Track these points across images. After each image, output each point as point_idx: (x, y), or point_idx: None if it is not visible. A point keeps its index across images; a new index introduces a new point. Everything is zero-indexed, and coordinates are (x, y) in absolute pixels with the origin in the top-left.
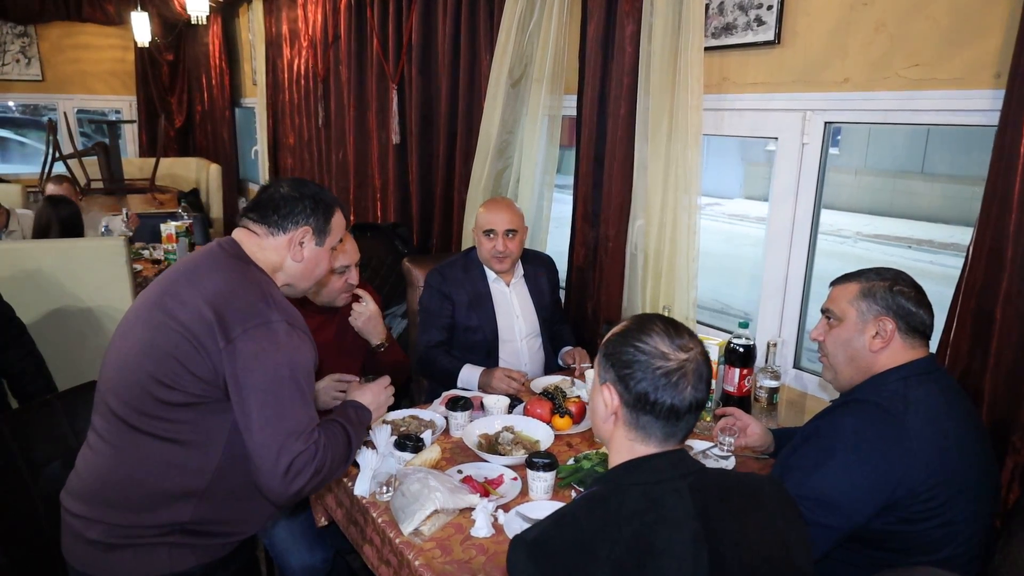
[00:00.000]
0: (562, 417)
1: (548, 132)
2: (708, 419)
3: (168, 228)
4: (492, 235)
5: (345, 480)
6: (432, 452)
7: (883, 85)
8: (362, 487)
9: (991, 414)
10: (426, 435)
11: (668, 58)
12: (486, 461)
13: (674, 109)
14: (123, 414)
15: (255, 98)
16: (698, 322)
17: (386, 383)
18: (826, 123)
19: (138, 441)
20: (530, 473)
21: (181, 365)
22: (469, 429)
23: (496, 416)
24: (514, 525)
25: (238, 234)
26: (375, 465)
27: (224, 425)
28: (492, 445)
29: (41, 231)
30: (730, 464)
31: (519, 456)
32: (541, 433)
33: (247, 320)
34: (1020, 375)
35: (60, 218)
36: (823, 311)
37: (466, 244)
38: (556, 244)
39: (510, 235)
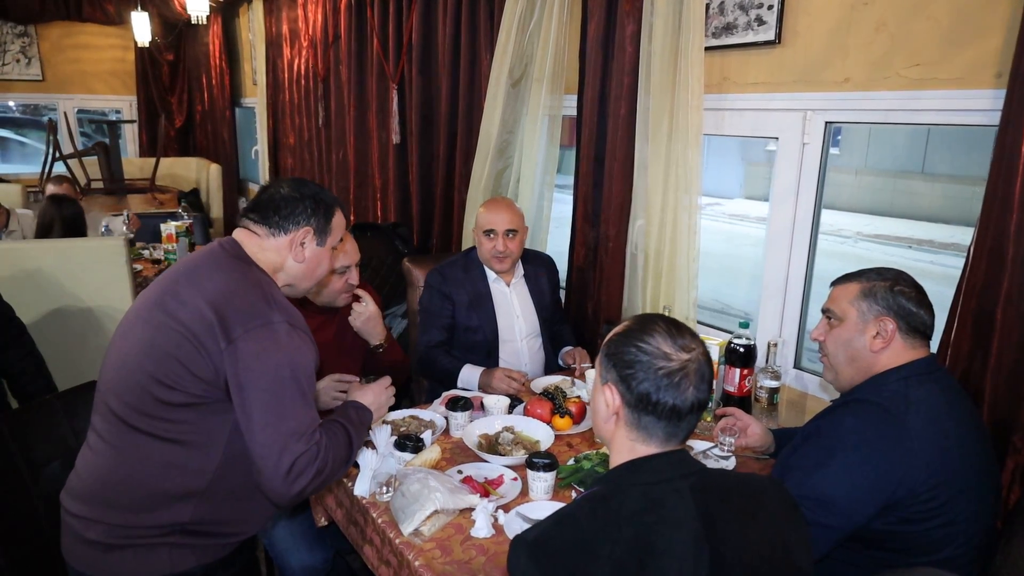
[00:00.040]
0: (562, 417)
1: (548, 132)
2: (708, 419)
3: (168, 228)
4: (492, 235)
5: (345, 480)
6: (432, 452)
7: (884, 85)
8: (362, 487)
9: (992, 414)
10: (426, 435)
11: (668, 58)
12: (486, 461)
13: (674, 109)
14: (123, 414)
15: (255, 98)
16: (698, 322)
17: (387, 383)
18: (827, 123)
19: (138, 441)
20: (530, 473)
21: (182, 365)
22: (469, 429)
23: (496, 416)
24: (514, 525)
25: (239, 234)
26: (375, 465)
27: (224, 425)
28: (492, 445)
29: (44, 230)
30: (730, 464)
31: (519, 456)
32: (541, 433)
33: (248, 320)
34: (1021, 375)
35: (63, 217)
36: (824, 311)
37: (466, 244)
38: (556, 244)
39: (510, 235)
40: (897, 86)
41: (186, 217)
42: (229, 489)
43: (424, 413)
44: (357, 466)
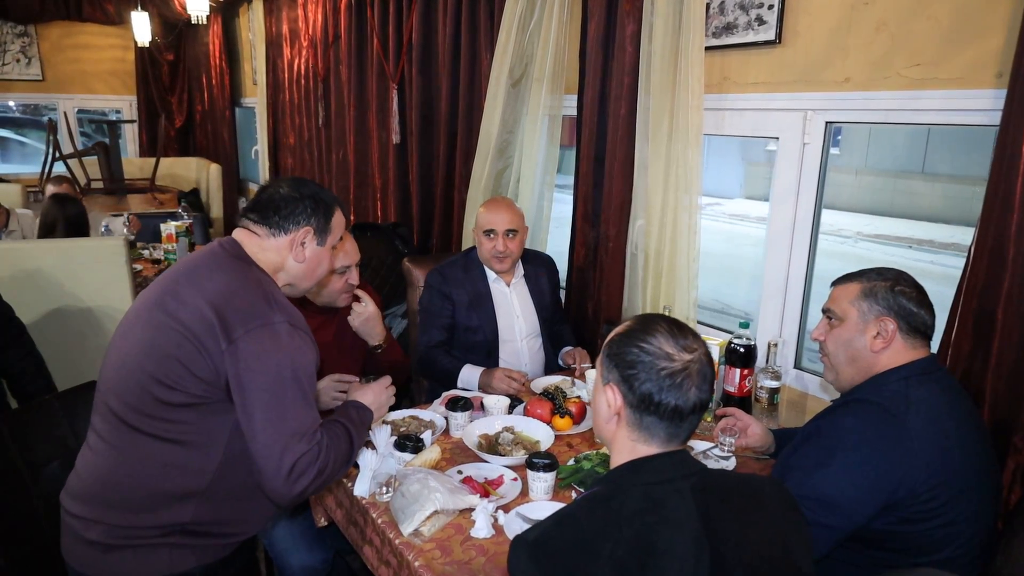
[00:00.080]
0: (562, 417)
1: (548, 132)
2: (709, 419)
3: (168, 228)
4: (492, 235)
5: (345, 481)
6: (432, 452)
7: (884, 85)
8: (362, 488)
9: (992, 414)
10: (426, 435)
11: (669, 58)
12: (486, 461)
13: (675, 109)
14: (123, 414)
15: (255, 98)
16: (699, 322)
17: (387, 383)
18: (827, 123)
19: (138, 442)
20: (530, 474)
21: (182, 366)
22: (469, 429)
23: (496, 416)
24: (514, 526)
25: (238, 234)
26: (375, 466)
27: (225, 425)
28: (492, 445)
29: (47, 229)
30: (731, 464)
31: (519, 456)
32: (541, 433)
33: (249, 321)
34: (1021, 375)
35: (67, 217)
36: (824, 311)
37: (466, 244)
38: (556, 244)
39: (510, 235)
40: (897, 86)
41: (186, 217)
42: (229, 489)
43: (424, 413)
44: (357, 466)
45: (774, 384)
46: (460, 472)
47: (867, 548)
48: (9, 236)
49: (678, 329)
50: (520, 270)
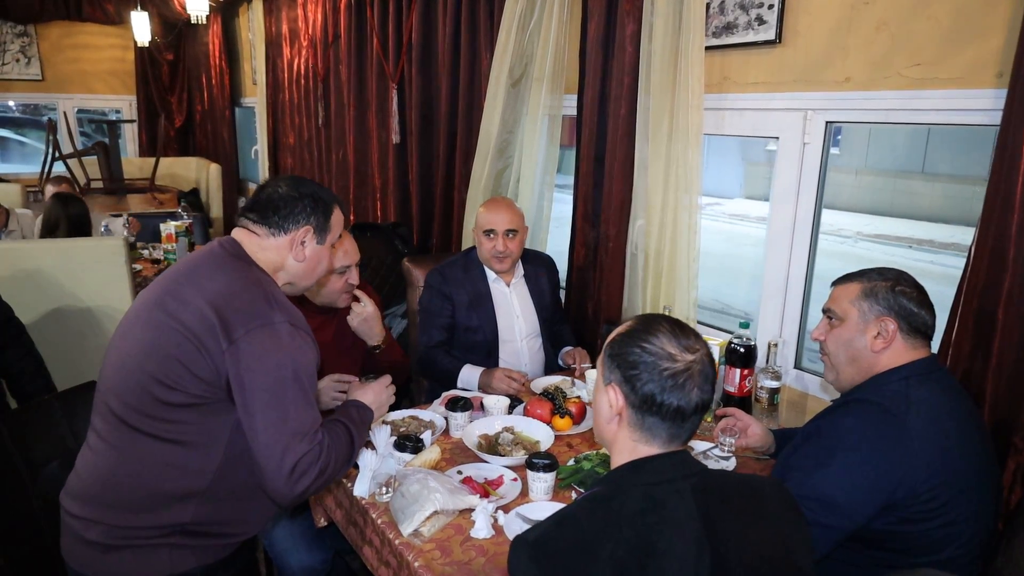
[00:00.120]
0: (562, 418)
1: (548, 132)
2: (709, 420)
3: (168, 228)
4: (492, 235)
5: (344, 481)
6: (432, 453)
7: (884, 84)
8: (361, 488)
9: (993, 415)
10: (426, 436)
11: (669, 57)
12: (486, 462)
13: (675, 109)
14: (123, 415)
15: (255, 98)
16: (699, 322)
17: (387, 382)
18: (827, 123)
19: (138, 442)
20: (530, 474)
21: (183, 366)
22: (469, 430)
23: (496, 416)
24: (514, 526)
25: (238, 234)
26: (374, 466)
27: (225, 426)
28: (492, 446)
29: (49, 228)
30: (731, 465)
31: (519, 457)
32: (541, 434)
33: (250, 321)
34: (1022, 376)
35: (69, 216)
36: (824, 311)
37: (466, 244)
38: (556, 244)
39: (510, 235)
40: (898, 86)
41: (186, 217)
42: (230, 489)
43: (424, 413)
44: (357, 467)
45: (774, 384)
46: (460, 472)
47: (867, 548)
48: (9, 236)
49: (680, 329)
50: (520, 270)
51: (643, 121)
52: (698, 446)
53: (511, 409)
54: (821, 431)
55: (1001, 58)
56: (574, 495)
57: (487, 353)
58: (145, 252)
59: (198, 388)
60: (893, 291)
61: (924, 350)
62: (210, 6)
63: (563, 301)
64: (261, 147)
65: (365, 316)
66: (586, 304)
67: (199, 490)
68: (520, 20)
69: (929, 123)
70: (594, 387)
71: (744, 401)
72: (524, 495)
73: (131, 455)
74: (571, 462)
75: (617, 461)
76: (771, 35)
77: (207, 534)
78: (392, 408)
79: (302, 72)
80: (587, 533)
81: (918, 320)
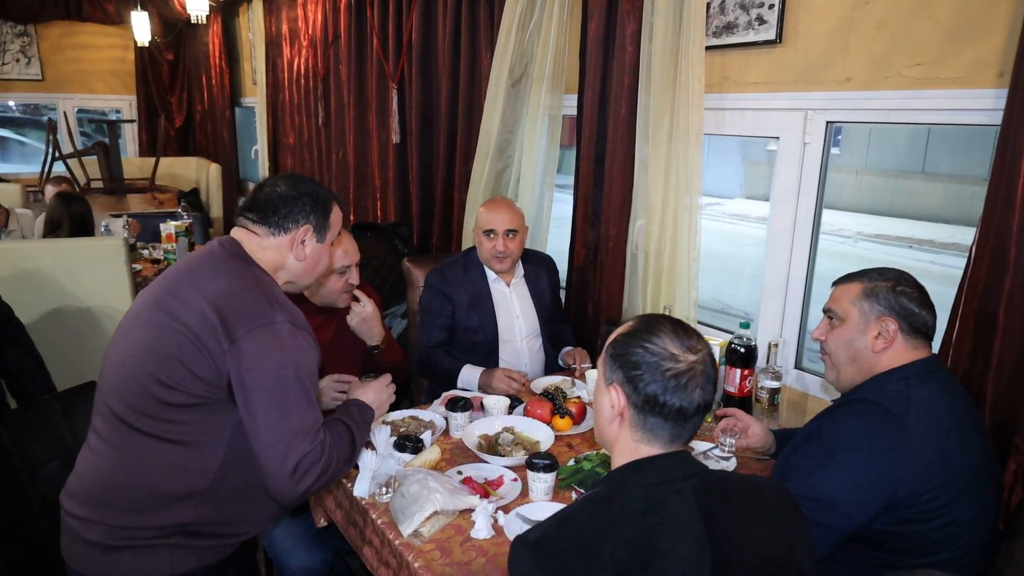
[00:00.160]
0: (562, 418)
1: (548, 132)
2: (709, 420)
3: (168, 228)
4: (492, 235)
5: (344, 481)
6: (432, 453)
7: (885, 84)
8: (361, 488)
9: (993, 415)
10: (426, 436)
11: (669, 57)
12: (486, 462)
13: (675, 108)
14: (124, 415)
15: (255, 98)
16: (699, 322)
17: (387, 381)
18: (828, 123)
19: (139, 442)
20: (530, 474)
21: (183, 366)
22: (469, 430)
23: (496, 417)
24: (514, 526)
25: (237, 233)
26: (374, 466)
27: (226, 426)
28: (492, 446)
29: (52, 227)
30: (731, 465)
31: (519, 457)
32: (541, 434)
33: (251, 321)
34: (1022, 376)
35: (72, 215)
36: (825, 311)
37: (466, 244)
38: (556, 244)
39: (510, 235)
40: (898, 85)
41: (186, 217)
42: (231, 489)
43: (424, 413)
44: (356, 467)
45: (775, 384)
46: (460, 473)
47: (868, 548)
48: (9, 236)
49: (682, 329)
50: (520, 270)
51: (643, 121)
52: (698, 446)
53: (511, 409)
54: (821, 431)
55: (1002, 58)
56: (574, 495)
57: (487, 353)
58: (145, 252)
59: (199, 388)
60: (894, 291)
61: (925, 350)
62: (210, 6)
63: (563, 301)
64: (261, 147)
65: (364, 316)
66: (586, 304)
67: (200, 490)
68: (520, 20)
69: (930, 123)
70: (595, 387)
71: (744, 401)
72: (524, 495)
73: (131, 455)
74: (571, 462)
75: (618, 461)
76: (771, 35)
77: (208, 534)
78: (392, 408)
79: (302, 72)
80: (588, 533)
81: (919, 320)
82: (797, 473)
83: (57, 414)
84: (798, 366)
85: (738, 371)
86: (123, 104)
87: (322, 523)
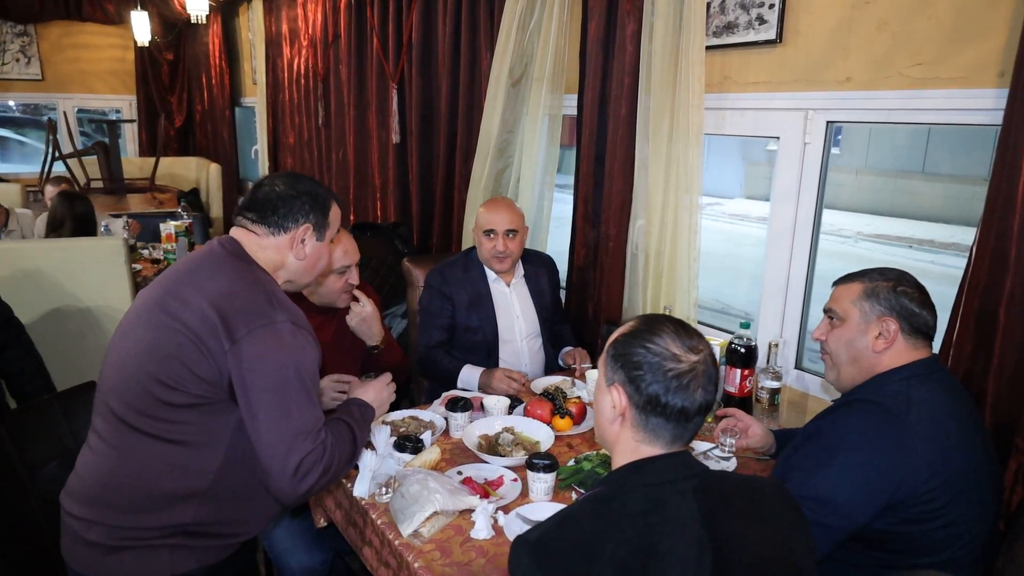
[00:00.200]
0: (562, 418)
1: (548, 132)
2: (709, 420)
3: (168, 228)
4: (492, 235)
5: (344, 481)
6: (432, 453)
7: (885, 84)
8: (361, 488)
9: (994, 415)
10: (426, 436)
11: (669, 57)
12: (486, 462)
13: (675, 108)
14: (124, 415)
15: (255, 97)
16: (699, 322)
17: (388, 380)
18: (828, 122)
19: (139, 442)
20: (530, 474)
21: (184, 366)
22: (469, 430)
23: (496, 417)
24: (514, 527)
25: (236, 233)
26: (374, 466)
27: (227, 426)
28: (492, 446)
29: (55, 226)
30: (731, 465)
31: (519, 457)
32: (541, 434)
33: (252, 321)
34: (1023, 376)
35: (75, 215)
36: (825, 311)
37: (466, 244)
38: (556, 244)
39: (510, 235)
40: (899, 85)
41: (185, 217)
42: (231, 490)
43: (424, 414)
44: (356, 467)
45: (775, 384)
46: (460, 473)
47: (868, 549)
48: (8, 236)
49: (683, 330)
50: (520, 270)
51: (643, 121)
52: (699, 446)
53: (511, 409)
54: (822, 431)
55: (1003, 57)
56: (574, 496)
57: (487, 353)
58: (145, 252)
59: (199, 388)
60: (895, 291)
61: (925, 350)
62: (210, 6)
63: (563, 301)
64: (261, 147)
65: (364, 316)
66: (586, 304)
67: (200, 490)
68: (520, 20)
69: (930, 123)
70: (595, 387)
71: (745, 401)
72: (524, 496)
73: (132, 455)
74: (571, 462)
75: (619, 462)
76: (772, 35)
77: (208, 535)
78: (392, 408)
79: (302, 72)
80: (588, 534)
81: (919, 320)
82: (797, 473)
83: (57, 414)
84: (798, 366)
85: (738, 371)
86: (123, 104)
87: (322, 523)
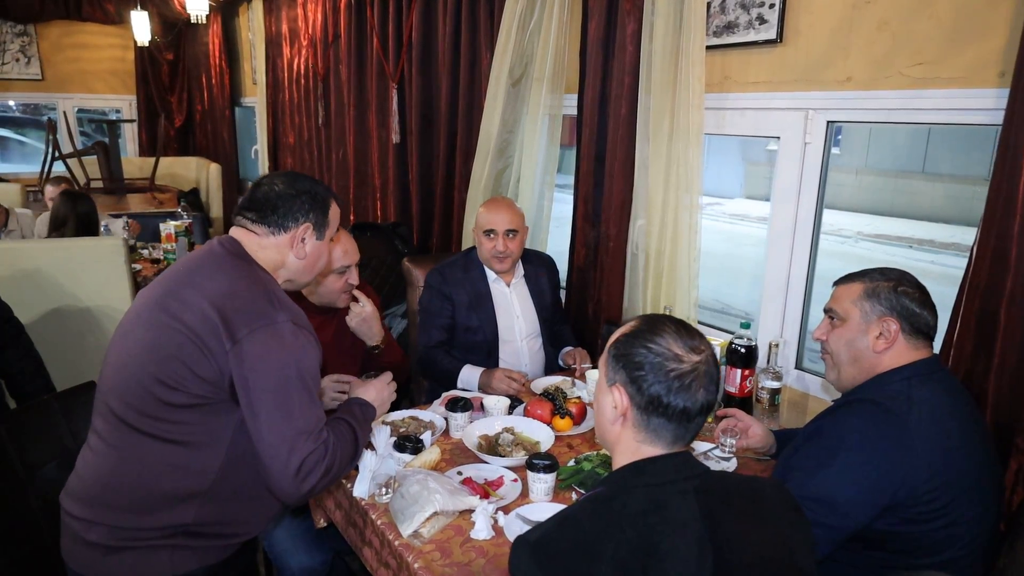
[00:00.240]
0: (563, 418)
1: (549, 131)
2: (710, 420)
3: (167, 227)
4: (492, 235)
5: (344, 482)
6: (432, 453)
7: (886, 84)
8: (361, 489)
9: (995, 416)
10: (426, 436)
11: (669, 57)
12: (486, 462)
13: (675, 108)
14: (124, 415)
15: (255, 97)
16: (699, 322)
17: (388, 379)
18: (828, 122)
19: (140, 442)
20: (530, 475)
21: (185, 367)
22: (469, 430)
23: (496, 417)
24: (514, 527)
25: (236, 233)
26: (374, 466)
27: (227, 426)
28: (492, 446)
29: (57, 225)
30: (732, 465)
31: (519, 457)
32: (541, 434)
33: (253, 321)
34: None
35: (78, 214)
36: (826, 311)
37: (466, 244)
38: (556, 244)
39: (510, 235)
40: (899, 85)
41: (185, 217)
42: (232, 490)
43: (424, 414)
44: (356, 468)
45: (775, 385)
46: (460, 473)
47: (868, 549)
48: (8, 236)
49: (685, 330)
50: (520, 270)
51: (644, 121)
52: (699, 447)
53: (511, 410)
54: (822, 431)
55: (1003, 57)
56: (574, 496)
57: (487, 353)
58: (145, 252)
59: (200, 388)
60: (895, 291)
61: (926, 350)
62: (210, 6)
63: (563, 301)
64: (261, 147)
65: (364, 316)
66: (586, 304)
67: (201, 491)
68: (520, 20)
69: (931, 123)
70: (596, 388)
71: (745, 402)
72: (524, 496)
73: (132, 456)
74: (571, 463)
75: (619, 462)
76: (772, 34)
77: (209, 535)
78: (392, 408)
79: (302, 72)
80: (589, 534)
81: (920, 321)
82: (798, 473)
83: (56, 414)
84: (799, 366)
85: (739, 371)
86: (123, 104)
87: (322, 524)
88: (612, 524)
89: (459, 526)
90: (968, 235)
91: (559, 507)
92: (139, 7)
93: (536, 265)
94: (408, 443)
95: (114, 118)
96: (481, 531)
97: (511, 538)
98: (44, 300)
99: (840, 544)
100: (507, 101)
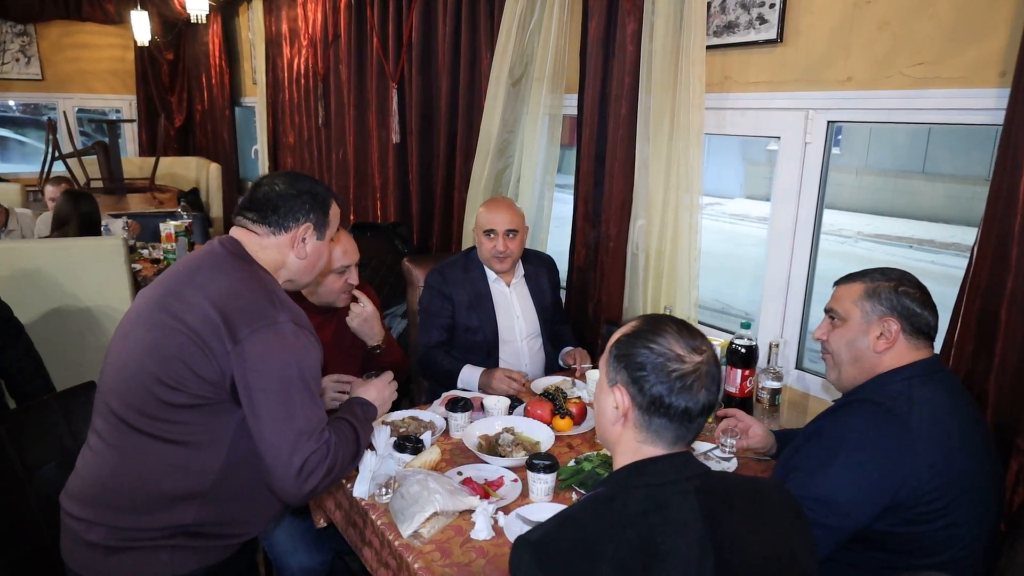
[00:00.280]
0: (563, 418)
1: (549, 131)
2: (710, 420)
3: (167, 227)
4: (492, 235)
5: (344, 482)
6: (432, 453)
7: (886, 84)
8: (361, 489)
9: (995, 416)
10: (426, 436)
11: (670, 57)
12: (486, 463)
13: (675, 108)
14: (124, 415)
15: (255, 97)
16: (700, 322)
17: (389, 378)
18: (829, 122)
19: (140, 443)
20: (530, 475)
21: (186, 367)
22: (469, 430)
23: (496, 417)
24: (514, 527)
25: (237, 233)
26: (374, 467)
27: (228, 426)
28: (492, 446)
29: (59, 225)
30: (732, 466)
31: (519, 458)
32: (542, 434)
33: (254, 321)
34: None
35: (80, 213)
36: (827, 311)
37: (466, 244)
38: (557, 244)
39: (511, 235)
40: (900, 85)
41: (185, 216)
42: (233, 490)
43: (424, 414)
44: (356, 468)
45: (775, 385)
46: (460, 473)
47: (869, 549)
48: (8, 235)
49: (686, 330)
50: (520, 270)
51: (644, 121)
52: (699, 447)
53: (511, 410)
54: (823, 431)
55: (1004, 57)
56: (575, 496)
57: (487, 353)
58: (145, 252)
59: (201, 388)
60: (896, 291)
61: (927, 351)
62: (210, 5)
63: (563, 301)
64: (261, 147)
65: (364, 316)
66: (587, 304)
67: (201, 491)
68: (520, 19)
69: (931, 123)
70: (597, 388)
71: (745, 402)
72: (524, 496)
73: (132, 456)
74: (572, 463)
75: (620, 462)
76: (772, 34)
77: (209, 535)
78: (392, 408)
79: (302, 72)
80: (589, 534)
81: (921, 321)
82: (798, 473)
83: (56, 414)
84: (799, 366)
85: (739, 371)
86: (123, 104)
87: (322, 524)
88: (613, 524)
89: (459, 526)
90: (968, 235)
91: (559, 507)
92: (139, 7)
93: (536, 265)
94: (408, 443)
95: (114, 118)
96: (481, 531)
97: (511, 538)
98: (44, 300)
99: (841, 544)
100: (507, 101)
